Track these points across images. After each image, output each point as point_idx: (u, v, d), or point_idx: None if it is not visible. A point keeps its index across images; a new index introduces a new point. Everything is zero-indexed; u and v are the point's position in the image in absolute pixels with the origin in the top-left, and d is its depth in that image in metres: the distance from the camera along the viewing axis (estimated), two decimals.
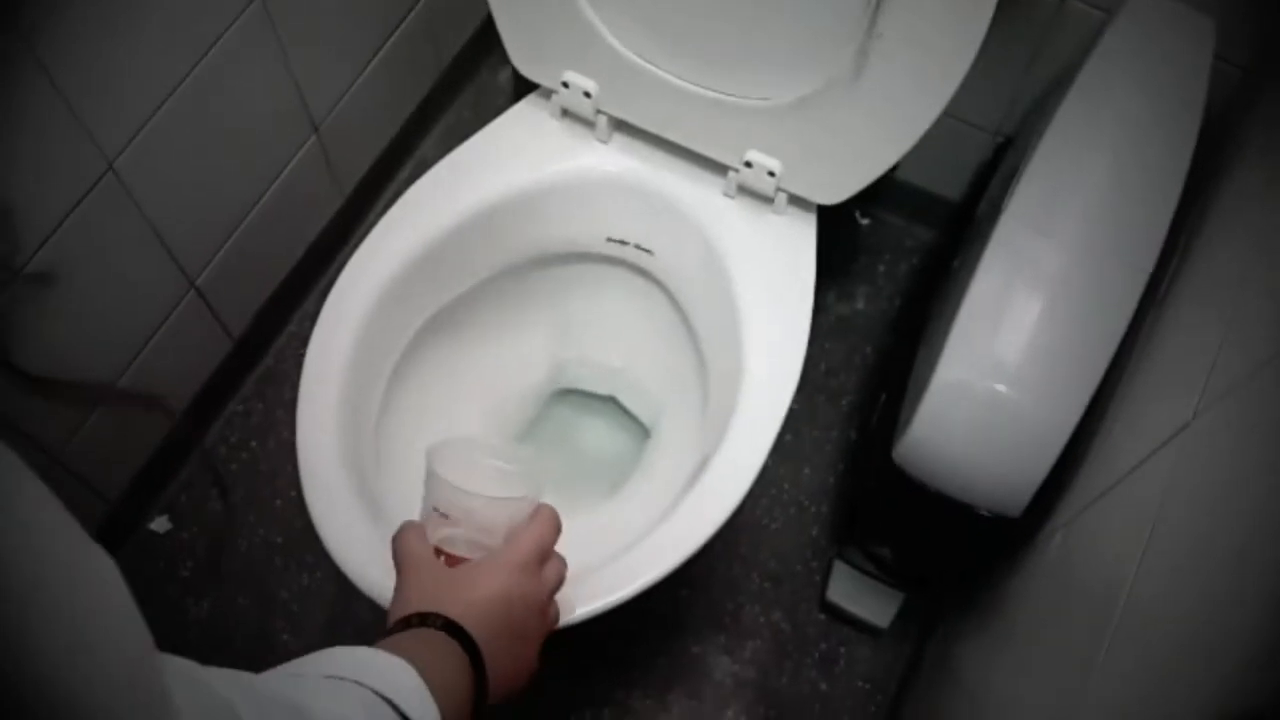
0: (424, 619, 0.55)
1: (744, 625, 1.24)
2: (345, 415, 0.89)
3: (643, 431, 1.19)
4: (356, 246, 0.94)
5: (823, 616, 1.25)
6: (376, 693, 0.45)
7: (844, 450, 1.33)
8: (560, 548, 0.67)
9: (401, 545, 0.61)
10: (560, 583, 0.63)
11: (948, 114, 0.85)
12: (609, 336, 1.16)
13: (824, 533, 1.29)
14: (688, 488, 0.87)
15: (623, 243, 1.05)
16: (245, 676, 0.39)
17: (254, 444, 1.31)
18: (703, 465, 0.88)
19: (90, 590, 0.28)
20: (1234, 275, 0.74)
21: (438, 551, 0.61)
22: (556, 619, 0.63)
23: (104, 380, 1.08)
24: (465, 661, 0.53)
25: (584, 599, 0.78)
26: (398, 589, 0.59)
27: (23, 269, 0.90)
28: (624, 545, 0.83)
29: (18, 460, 0.27)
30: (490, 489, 0.61)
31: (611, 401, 1.21)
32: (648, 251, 1.05)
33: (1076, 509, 0.81)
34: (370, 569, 0.79)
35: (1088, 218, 0.86)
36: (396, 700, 0.45)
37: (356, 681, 0.45)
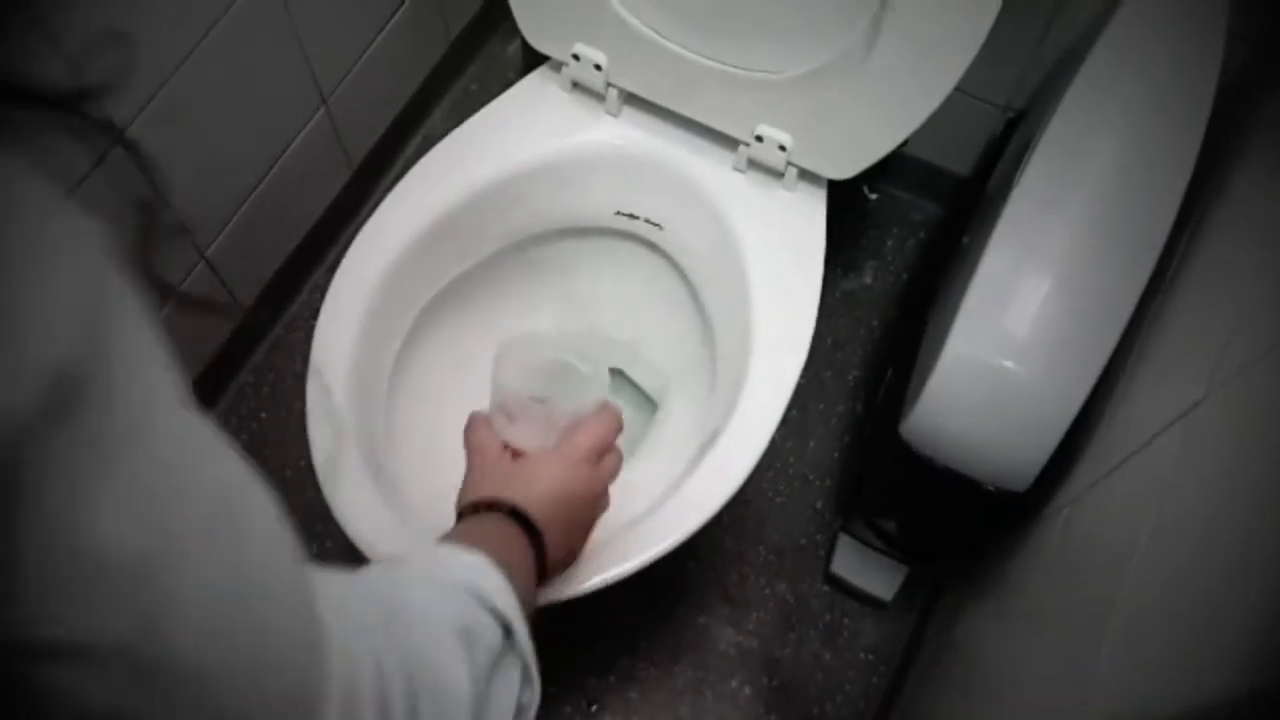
0: (491, 505, 0.61)
1: (749, 597, 1.25)
2: (355, 386, 0.89)
3: (650, 405, 1.19)
4: (365, 219, 0.95)
5: (827, 589, 1.26)
6: (470, 590, 0.48)
7: (849, 425, 1.33)
8: None
9: (471, 436, 0.69)
10: (616, 474, 0.70)
11: (958, 88, 0.85)
12: (617, 310, 1.16)
13: (829, 506, 1.30)
14: (696, 461, 0.88)
15: (632, 216, 1.05)
16: (355, 582, 0.43)
17: (264, 414, 1.32)
18: (711, 439, 0.88)
19: (252, 527, 0.31)
20: (1247, 254, 0.73)
21: (504, 446, 0.68)
22: (607, 505, 0.71)
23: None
24: (528, 544, 0.60)
25: (593, 570, 0.79)
26: (467, 476, 0.67)
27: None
28: (632, 517, 0.83)
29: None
30: (552, 387, 0.67)
31: (619, 375, 1.22)
32: (657, 225, 1.05)
33: (1084, 485, 0.81)
34: (380, 537, 0.79)
35: (1098, 196, 0.86)
36: (487, 595, 0.48)
37: (453, 582, 0.48)
